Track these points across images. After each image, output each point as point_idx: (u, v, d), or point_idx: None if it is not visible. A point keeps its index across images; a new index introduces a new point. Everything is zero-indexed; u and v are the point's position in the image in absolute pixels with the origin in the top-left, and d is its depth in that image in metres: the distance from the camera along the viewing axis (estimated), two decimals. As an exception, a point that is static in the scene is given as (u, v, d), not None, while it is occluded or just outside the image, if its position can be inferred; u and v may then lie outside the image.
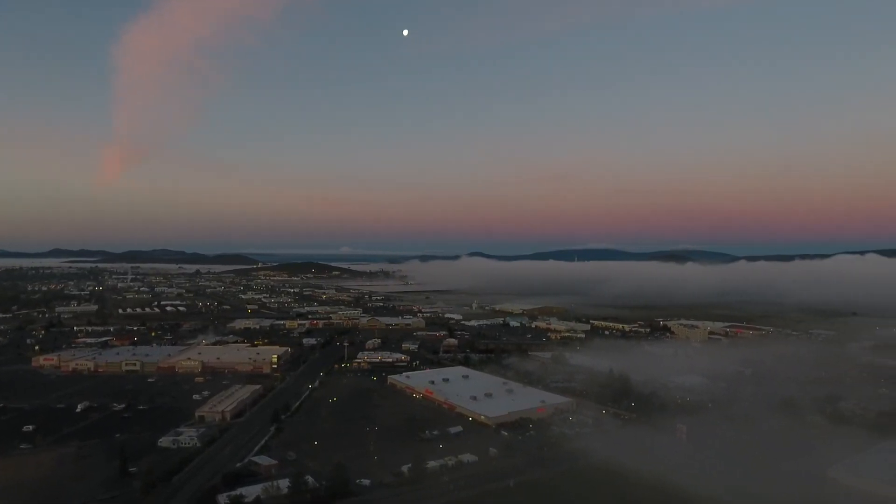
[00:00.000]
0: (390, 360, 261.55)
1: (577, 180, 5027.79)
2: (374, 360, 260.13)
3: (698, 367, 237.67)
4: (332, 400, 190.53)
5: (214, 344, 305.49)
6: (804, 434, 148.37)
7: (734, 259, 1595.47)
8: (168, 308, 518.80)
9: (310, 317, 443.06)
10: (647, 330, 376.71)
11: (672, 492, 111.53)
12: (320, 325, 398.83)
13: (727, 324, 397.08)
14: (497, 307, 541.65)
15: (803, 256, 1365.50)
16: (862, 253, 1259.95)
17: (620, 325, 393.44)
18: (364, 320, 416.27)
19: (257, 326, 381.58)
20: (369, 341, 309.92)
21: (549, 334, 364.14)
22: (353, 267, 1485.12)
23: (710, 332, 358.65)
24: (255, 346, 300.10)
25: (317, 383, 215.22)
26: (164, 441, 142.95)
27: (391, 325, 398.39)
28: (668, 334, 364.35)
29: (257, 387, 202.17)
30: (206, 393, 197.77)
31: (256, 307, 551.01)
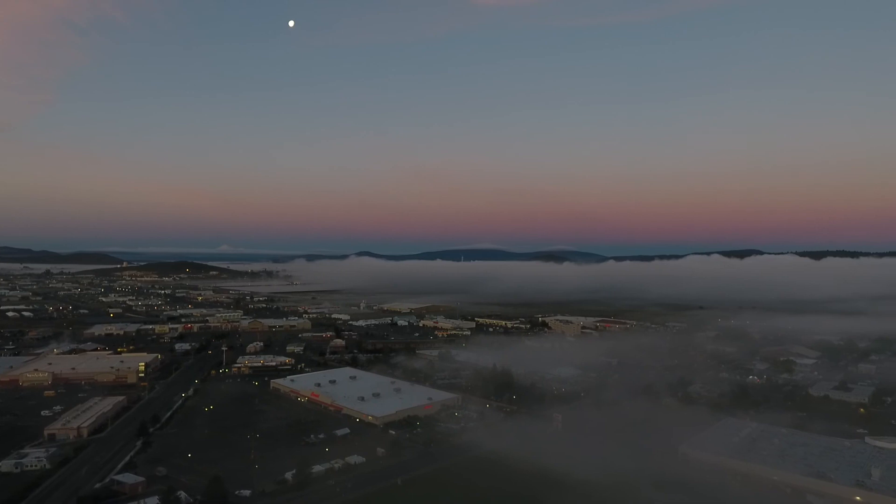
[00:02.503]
0: (273, 363, 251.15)
1: (464, 182, 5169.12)
2: (255, 364, 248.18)
3: (572, 359, 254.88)
4: (209, 408, 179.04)
5: (69, 353, 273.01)
6: (661, 415, 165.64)
7: (604, 259, 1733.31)
8: (10, 314, 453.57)
9: (183, 320, 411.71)
10: (528, 326, 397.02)
11: (549, 475, 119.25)
12: (195, 329, 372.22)
13: (598, 318, 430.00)
14: (385, 306, 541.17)
15: (661, 257, 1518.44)
16: (708, 254, 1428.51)
17: (503, 322, 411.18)
18: (245, 323, 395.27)
19: (121, 332, 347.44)
20: (251, 345, 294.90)
21: (436, 332, 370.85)
22: (233, 266, 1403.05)
23: (583, 327, 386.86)
24: (119, 353, 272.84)
25: (191, 391, 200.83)
26: (5, 465, 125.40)
27: (275, 327, 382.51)
28: (546, 329, 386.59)
29: (121, 398, 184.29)
30: (57, 408, 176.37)
31: (120, 311, 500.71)
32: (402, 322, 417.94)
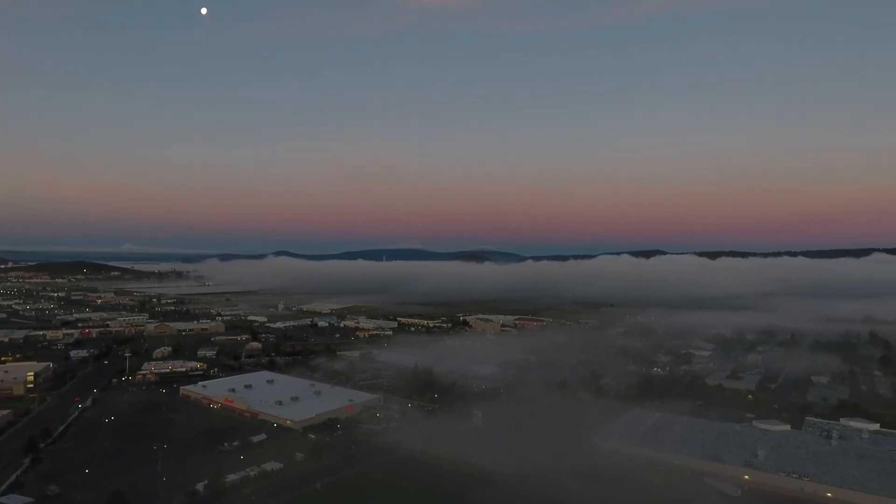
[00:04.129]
0: (183, 369, 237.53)
1: (386, 181, 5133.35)
2: (163, 370, 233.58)
3: (492, 357, 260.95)
4: (110, 419, 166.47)
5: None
6: (575, 408, 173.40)
7: (523, 259, 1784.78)
8: None
9: (80, 325, 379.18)
10: (449, 325, 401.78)
11: (470, 472, 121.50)
12: (94, 335, 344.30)
13: (517, 317, 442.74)
14: (305, 307, 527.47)
15: (576, 257, 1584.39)
16: (618, 254, 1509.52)
17: (425, 322, 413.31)
18: (151, 326, 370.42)
19: (6, 339, 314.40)
20: (157, 350, 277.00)
21: (357, 333, 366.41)
22: (138, 267, 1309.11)
23: (503, 325, 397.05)
24: (3, 363, 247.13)
25: (89, 402, 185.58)
26: None
27: (185, 330, 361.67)
28: (467, 328, 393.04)
29: (6, 412, 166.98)
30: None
31: (5, 316, 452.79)
32: (322, 323, 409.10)
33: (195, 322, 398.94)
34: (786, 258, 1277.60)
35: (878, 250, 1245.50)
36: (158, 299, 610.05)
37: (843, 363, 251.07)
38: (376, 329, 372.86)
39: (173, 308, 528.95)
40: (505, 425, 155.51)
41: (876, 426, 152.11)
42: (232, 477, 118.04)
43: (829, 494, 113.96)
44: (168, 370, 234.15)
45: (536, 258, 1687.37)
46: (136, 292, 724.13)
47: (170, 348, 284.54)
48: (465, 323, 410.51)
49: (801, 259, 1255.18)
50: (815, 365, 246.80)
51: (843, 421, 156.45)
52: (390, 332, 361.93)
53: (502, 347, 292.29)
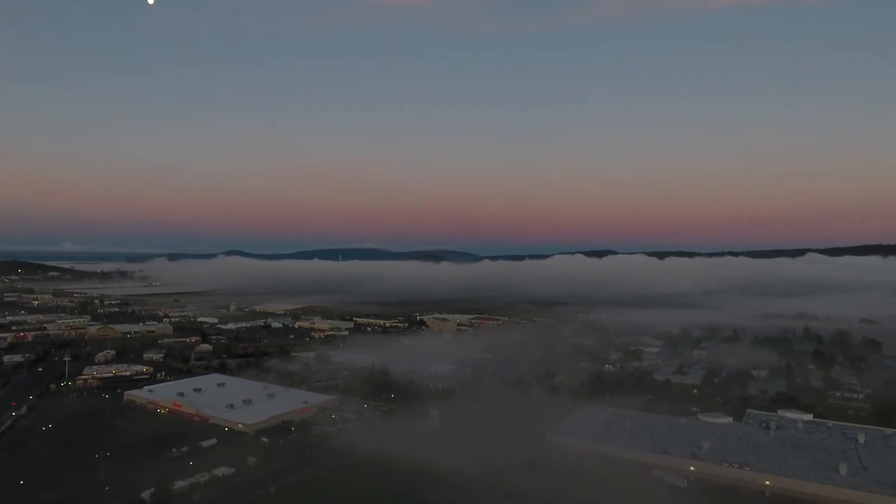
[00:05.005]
0: (128, 373, 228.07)
1: (342, 180, 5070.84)
2: (106, 374, 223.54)
3: (449, 356, 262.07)
4: (48, 427, 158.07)
5: None
6: (530, 405, 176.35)
7: (479, 259, 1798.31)
8: None
9: (14, 328, 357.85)
10: (406, 325, 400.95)
11: (426, 471, 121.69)
12: (30, 338, 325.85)
13: (473, 316, 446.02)
14: (258, 308, 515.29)
15: (531, 256, 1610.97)
16: (572, 254, 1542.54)
17: (382, 322, 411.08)
18: (93, 329, 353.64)
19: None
20: (100, 353, 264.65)
21: (312, 333, 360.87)
22: (79, 267, 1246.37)
23: (459, 324, 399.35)
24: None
25: (24, 409, 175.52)
26: None
27: (130, 333, 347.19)
28: (424, 328, 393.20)
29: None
30: None
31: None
32: (276, 324, 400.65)
33: (141, 324, 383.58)
34: (728, 258, 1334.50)
35: (812, 251, 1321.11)
36: (101, 301, 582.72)
37: (780, 357, 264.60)
38: (332, 329, 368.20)
39: (117, 310, 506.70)
40: (461, 424, 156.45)
41: (809, 416, 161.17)
42: (180, 484, 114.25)
43: (767, 482, 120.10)
44: (112, 374, 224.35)
45: (493, 258, 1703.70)
46: (77, 293, 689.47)
47: (113, 352, 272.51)
48: (422, 322, 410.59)
49: (742, 259, 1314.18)
50: (755, 359, 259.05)
51: (780, 412, 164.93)
52: (346, 333, 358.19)
53: (459, 346, 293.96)
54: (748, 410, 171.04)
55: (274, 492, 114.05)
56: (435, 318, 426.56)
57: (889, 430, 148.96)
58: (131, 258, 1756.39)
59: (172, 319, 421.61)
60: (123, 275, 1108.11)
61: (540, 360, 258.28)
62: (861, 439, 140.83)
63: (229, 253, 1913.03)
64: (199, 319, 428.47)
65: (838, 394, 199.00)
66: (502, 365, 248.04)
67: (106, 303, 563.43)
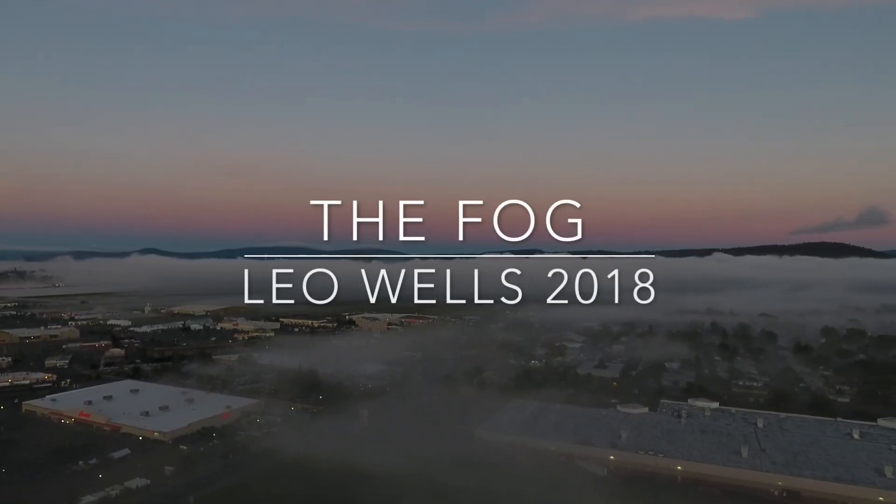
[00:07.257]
0: (27, 381, 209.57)
1: (273, 176, 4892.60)
2: (1, 384, 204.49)
3: (378, 355, 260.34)
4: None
5: None
6: (459, 402, 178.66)
7: (410, 258, 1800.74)
8: None
9: None
10: (335, 324, 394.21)
11: (355, 471, 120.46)
12: None
13: (403, 315, 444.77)
14: (176, 309, 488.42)
15: (461, 256, 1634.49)
16: (501, 253, 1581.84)
17: (310, 322, 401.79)
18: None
19: None
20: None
21: (236, 335, 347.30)
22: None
23: (390, 323, 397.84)
24: None
25: None
26: None
27: (29, 337, 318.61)
28: (353, 327, 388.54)
29: None
30: None
31: None
32: (196, 326, 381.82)
33: (42, 328, 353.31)
34: (644, 257, 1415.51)
35: (718, 250, 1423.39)
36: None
37: (690, 350, 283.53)
38: (256, 331, 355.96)
39: (14, 313, 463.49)
40: (391, 423, 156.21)
41: (716, 404, 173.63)
42: (89, 498, 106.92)
43: (679, 467, 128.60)
44: (7, 383, 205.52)
45: (423, 258, 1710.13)
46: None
47: (9, 358, 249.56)
48: (352, 322, 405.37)
49: (657, 258, 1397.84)
50: (669, 353, 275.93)
51: (690, 401, 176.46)
52: (272, 334, 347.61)
53: (389, 345, 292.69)
54: (662, 401, 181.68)
55: (194, 501, 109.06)
56: (364, 317, 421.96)
57: (783, 415, 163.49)
58: (30, 256, 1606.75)
59: (79, 323, 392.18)
60: (21, 275, 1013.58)
61: (469, 357, 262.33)
62: (760, 424, 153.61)
63: (144, 251, 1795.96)
64: (109, 322, 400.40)
65: (741, 382, 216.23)
66: (432, 363, 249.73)
67: (0, 305, 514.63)
